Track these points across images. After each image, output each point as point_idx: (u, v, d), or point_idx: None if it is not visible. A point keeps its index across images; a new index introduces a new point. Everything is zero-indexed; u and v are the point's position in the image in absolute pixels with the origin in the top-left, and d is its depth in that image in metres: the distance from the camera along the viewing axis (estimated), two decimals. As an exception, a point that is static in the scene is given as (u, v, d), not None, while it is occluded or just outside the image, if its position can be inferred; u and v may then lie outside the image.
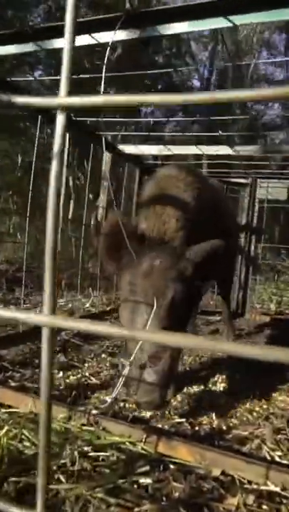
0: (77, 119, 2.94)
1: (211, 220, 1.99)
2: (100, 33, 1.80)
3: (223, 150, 3.05)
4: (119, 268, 1.64)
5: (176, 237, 1.70)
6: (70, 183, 11.61)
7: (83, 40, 1.83)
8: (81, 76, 2.84)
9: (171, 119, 11.87)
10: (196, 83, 17.41)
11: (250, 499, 1.18)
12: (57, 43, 1.94)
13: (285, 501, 1.18)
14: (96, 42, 1.78)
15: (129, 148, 3.55)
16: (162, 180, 1.98)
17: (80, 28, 1.75)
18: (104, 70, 1.37)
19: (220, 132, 2.69)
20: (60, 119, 0.37)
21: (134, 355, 1.60)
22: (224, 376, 2.20)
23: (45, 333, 0.38)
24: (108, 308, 3.63)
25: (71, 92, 0.38)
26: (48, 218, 0.39)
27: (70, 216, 8.95)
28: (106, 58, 1.37)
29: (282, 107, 16.60)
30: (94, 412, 1.56)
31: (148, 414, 1.69)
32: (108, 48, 1.45)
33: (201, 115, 11.73)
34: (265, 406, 1.85)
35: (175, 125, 13.55)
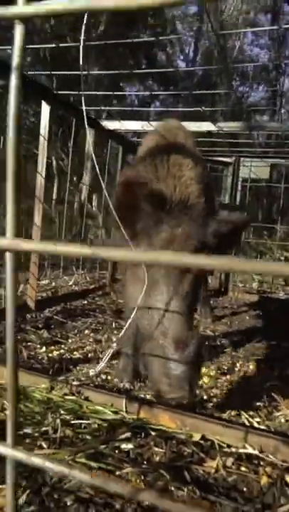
0: (59, 92, 2.88)
1: (208, 190, 1.86)
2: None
3: (206, 126, 3.03)
4: (133, 234, 1.43)
5: (199, 203, 1.50)
6: (54, 163, 11.36)
7: None
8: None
9: (154, 92, 11.71)
10: (181, 63, 17.21)
11: (229, 461, 1.21)
12: None
13: (262, 463, 1.22)
14: None
15: (112, 124, 3.49)
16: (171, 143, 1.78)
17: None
18: (82, 37, 1.33)
19: (203, 108, 2.66)
20: (19, 30, 0.36)
21: (124, 331, 1.58)
22: (208, 351, 2.23)
23: (8, 257, 0.38)
24: (92, 287, 3.63)
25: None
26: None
27: (54, 197, 8.81)
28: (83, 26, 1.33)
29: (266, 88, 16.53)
30: (75, 383, 1.57)
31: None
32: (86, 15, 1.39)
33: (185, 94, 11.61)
34: (245, 376, 1.89)
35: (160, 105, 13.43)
